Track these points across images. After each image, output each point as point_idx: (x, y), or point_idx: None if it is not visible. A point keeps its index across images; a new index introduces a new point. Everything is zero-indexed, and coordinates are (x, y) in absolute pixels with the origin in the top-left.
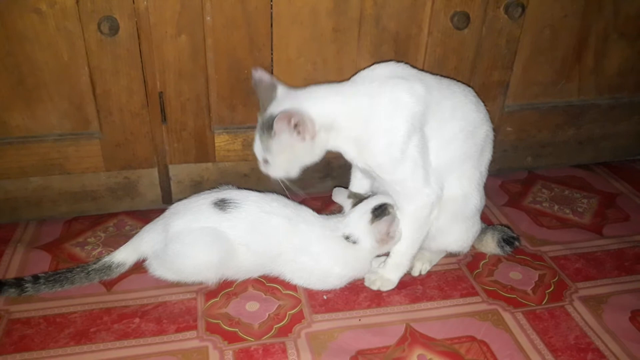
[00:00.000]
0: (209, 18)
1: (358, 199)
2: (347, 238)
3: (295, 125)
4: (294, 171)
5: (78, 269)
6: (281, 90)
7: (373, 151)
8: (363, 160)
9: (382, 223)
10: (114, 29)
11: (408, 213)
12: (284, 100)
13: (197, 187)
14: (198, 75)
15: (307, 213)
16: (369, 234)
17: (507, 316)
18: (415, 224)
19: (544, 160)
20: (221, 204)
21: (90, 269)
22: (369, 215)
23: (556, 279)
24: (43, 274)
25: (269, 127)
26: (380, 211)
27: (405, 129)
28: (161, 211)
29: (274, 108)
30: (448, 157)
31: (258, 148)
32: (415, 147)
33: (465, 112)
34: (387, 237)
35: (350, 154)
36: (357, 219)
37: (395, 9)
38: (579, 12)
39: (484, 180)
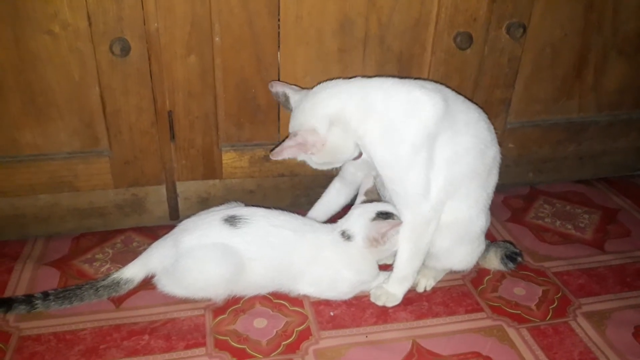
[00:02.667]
0: (217, 39)
1: (370, 200)
2: (342, 234)
3: (304, 144)
4: (336, 164)
5: (87, 286)
6: (293, 98)
7: (379, 145)
8: (368, 153)
9: (383, 223)
10: (125, 50)
11: (406, 221)
12: (295, 114)
13: (203, 203)
14: (207, 94)
15: (312, 223)
16: (362, 231)
17: (511, 332)
18: (413, 233)
19: (545, 176)
20: (231, 220)
21: (99, 286)
22: (371, 215)
23: (559, 294)
24: (52, 291)
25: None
26: (387, 215)
27: (418, 130)
28: (168, 227)
29: (291, 124)
30: (457, 172)
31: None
32: (424, 153)
33: (478, 129)
34: (380, 239)
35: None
36: (357, 216)
37: (399, 29)
38: (579, 31)
39: (490, 201)
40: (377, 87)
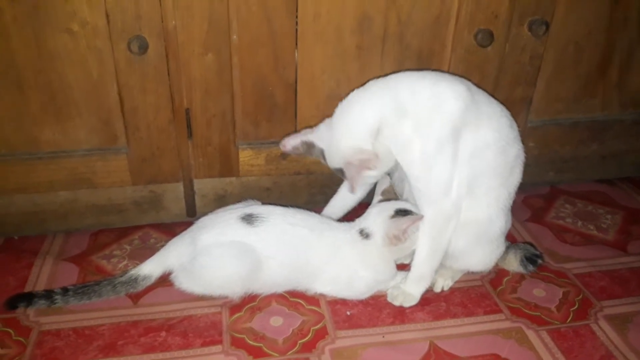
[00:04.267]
0: (235, 37)
1: (387, 199)
2: (360, 232)
3: (361, 167)
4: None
5: (105, 282)
6: (316, 138)
7: (410, 144)
8: (398, 154)
9: (404, 219)
10: (143, 48)
11: (427, 218)
12: (332, 147)
13: (220, 201)
14: (224, 92)
15: (329, 221)
16: (382, 229)
17: (531, 334)
18: (432, 230)
19: (566, 175)
20: (248, 218)
21: (117, 282)
22: (390, 212)
23: (580, 296)
24: (72, 287)
25: (343, 174)
26: (405, 213)
27: (443, 124)
28: (185, 224)
29: (332, 160)
30: (479, 168)
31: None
32: (450, 148)
33: (501, 124)
34: (400, 236)
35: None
36: (376, 214)
37: (419, 26)
38: (604, 28)
39: (511, 201)
40: (404, 86)
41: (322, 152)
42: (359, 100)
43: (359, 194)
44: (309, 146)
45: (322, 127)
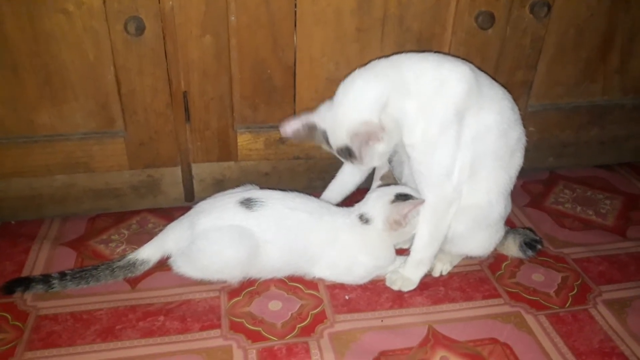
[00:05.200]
0: (233, 18)
1: (386, 184)
2: (360, 217)
3: (369, 138)
4: (387, 157)
5: (103, 266)
6: (318, 118)
7: (414, 126)
8: (401, 136)
9: (405, 204)
10: (140, 29)
11: (428, 202)
12: (335, 123)
13: (218, 185)
14: (222, 75)
15: (329, 206)
16: (382, 213)
17: (530, 319)
18: (433, 215)
19: (565, 161)
20: (247, 203)
21: (114, 266)
22: (391, 197)
23: (579, 281)
24: (69, 271)
25: (349, 154)
26: (405, 197)
27: (447, 107)
28: (183, 209)
29: (337, 138)
30: (480, 150)
31: (350, 165)
32: (453, 131)
33: (502, 107)
34: (401, 221)
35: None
36: (376, 199)
37: (419, 8)
38: (606, 11)
39: (512, 186)
40: (407, 67)
41: (324, 134)
42: (363, 76)
43: (358, 178)
44: (311, 128)
45: (323, 109)
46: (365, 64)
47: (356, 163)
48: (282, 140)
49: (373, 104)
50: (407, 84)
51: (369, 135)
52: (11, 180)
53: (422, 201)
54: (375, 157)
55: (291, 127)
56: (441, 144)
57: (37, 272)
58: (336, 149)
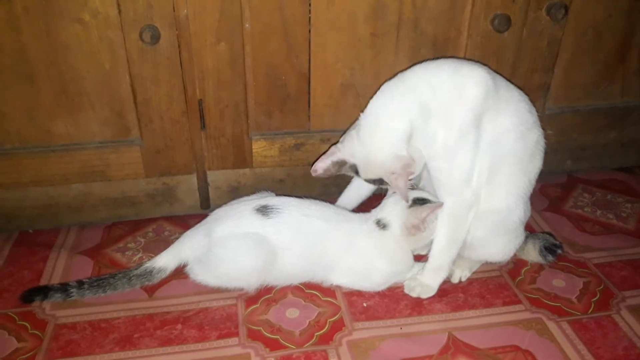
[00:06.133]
0: (247, 25)
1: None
2: (377, 223)
3: (405, 172)
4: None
5: (120, 275)
6: (346, 153)
7: (436, 139)
8: (424, 149)
9: (423, 208)
10: (155, 38)
11: (446, 207)
12: (366, 160)
13: (234, 192)
14: (236, 82)
15: (345, 212)
16: (400, 218)
17: (551, 325)
18: (451, 221)
19: (584, 163)
20: (263, 210)
21: (132, 275)
22: (408, 202)
23: (601, 287)
24: (87, 280)
25: (381, 183)
26: (423, 202)
27: (466, 114)
28: (199, 216)
29: (369, 173)
30: (498, 154)
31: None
32: (472, 136)
33: (519, 109)
34: (419, 226)
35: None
36: (393, 204)
37: (434, 12)
38: (624, 12)
39: (531, 190)
40: (423, 84)
41: (354, 167)
42: (385, 111)
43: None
44: (340, 165)
45: (348, 143)
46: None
47: (398, 191)
48: (297, 147)
49: (402, 138)
50: (426, 104)
51: (404, 170)
52: (28, 190)
53: (441, 204)
54: (410, 183)
55: (322, 167)
56: (460, 150)
57: (55, 280)
58: (367, 180)
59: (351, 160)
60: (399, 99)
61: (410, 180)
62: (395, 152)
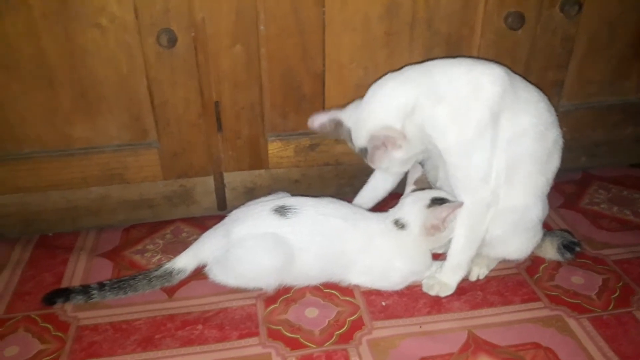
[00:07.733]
0: (262, 27)
1: (420, 188)
2: (396, 222)
3: (384, 144)
4: (410, 163)
5: (140, 276)
6: (345, 116)
7: (448, 132)
8: (434, 142)
9: (442, 208)
10: (172, 41)
11: (465, 206)
12: (359, 124)
13: (250, 193)
14: (252, 84)
15: (363, 211)
16: (418, 218)
17: (572, 322)
18: (470, 219)
19: (598, 160)
20: (280, 210)
21: (152, 276)
22: (426, 202)
23: (621, 283)
24: (108, 281)
25: (366, 155)
26: (442, 201)
27: (483, 111)
28: (216, 218)
29: (358, 138)
30: (517, 154)
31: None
32: (489, 134)
33: (539, 109)
34: (438, 226)
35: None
36: (411, 203)
37: (447, 11)
38: (638, 7)
39: (549, 188)
40: (440, 72)
41: (348, 132)
42: (393, 79)
43: (390, 184)
44: (337, 124)
45: (351, 107)
46: (396, 69)
47: (368, 163)
48: (312, 147)
49: (398, 110)
50: (438, 89)
51: (386, 140)
52: (48, 194)
53: (461, 204)
54: (393, 163)
55: (318, 120)
56: (477, 148)
57: (76, 283)
58: (357, 149)
59: (347, 122)
60: (411, 76)
61: (393, 155)
62: (387, 121)
